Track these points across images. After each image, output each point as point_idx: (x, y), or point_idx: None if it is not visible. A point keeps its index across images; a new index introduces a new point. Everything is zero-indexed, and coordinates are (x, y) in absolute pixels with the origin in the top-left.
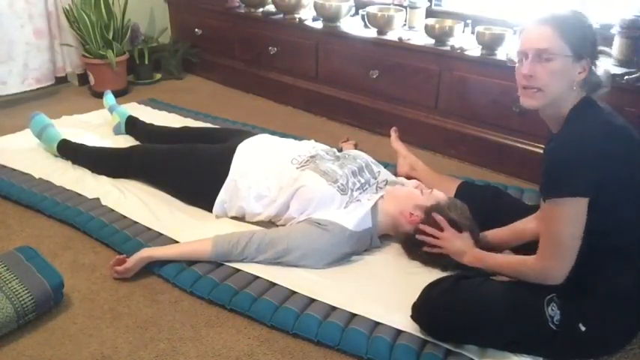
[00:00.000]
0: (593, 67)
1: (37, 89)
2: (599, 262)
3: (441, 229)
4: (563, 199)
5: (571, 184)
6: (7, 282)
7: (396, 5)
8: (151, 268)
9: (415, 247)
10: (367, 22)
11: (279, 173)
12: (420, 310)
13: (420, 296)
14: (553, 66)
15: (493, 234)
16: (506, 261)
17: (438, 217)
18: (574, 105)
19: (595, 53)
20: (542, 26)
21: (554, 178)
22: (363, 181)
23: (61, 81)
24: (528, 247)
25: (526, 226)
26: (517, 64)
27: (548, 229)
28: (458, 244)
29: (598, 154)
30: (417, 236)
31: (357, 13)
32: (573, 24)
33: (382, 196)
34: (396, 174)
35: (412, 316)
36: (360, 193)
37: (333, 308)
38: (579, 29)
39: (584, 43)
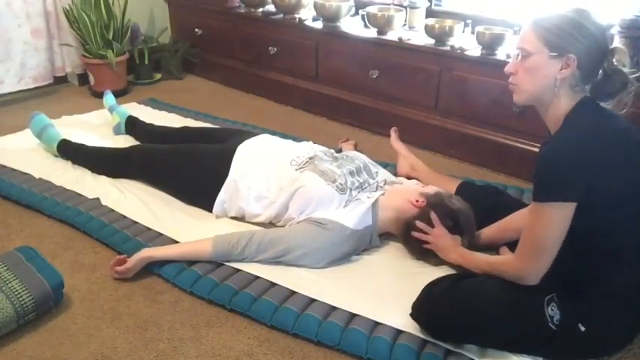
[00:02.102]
0: (595, 67)
1: (37, 89)
2: (599, 262)
3: (433, 226)
4: (552, 204)
5: (560, 189)
6: (7, 282)
7: (396, 5)
8: (151, 268)
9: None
10: (367, 22)
11: (279, 174)
12: (420, 309)
13: (420, 295)
14: (526, 63)
15: (487, 231)
16: (486, 260)
17: (432, 215)
18: (572, 107)
19: (593, 50)
20: (527, 27)
21: (545, 182)
22: (361, 180)
23: (61, 81)
24: None
25: (519, 221)
26: None
27: (531, 231)
28: (445, 242)
29: (591, 157)
30: (412, 233)
31: (357, 13)
32: (554, 21)
33: (383, 194)
34: (396, 174)
35: (412, 315)
36: (359, 192)
37: (333, 308)
38: (561, 25)
39: (567, 38)
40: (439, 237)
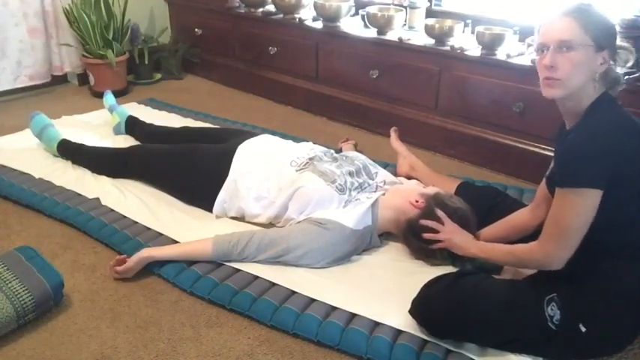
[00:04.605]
0: (612, 61)
1: (36, 89)
2: (602, 260)
3: (442, 224)
4: (579, 190)
5: (589, 175)
6: (7, 282)
7: (396, 5)
8: (151, 268)
9: (415, 235)
10: (367, 22)
11: (279, 175)
12: (419, 307)
13: (419, 292)
14: (575, 56)
15: (486, 231)
16: (508, 250)
17: (439, 212)
18: (593, 100)
19: (615, 46)
20: (565, 18)
21: (572, 167)
22: (360, 181)
23: (61, 81)
24: (525, 241)
25: (520, 220)
26: (537, 57)
27: (556, 216)
28: (460, 237)
29: (616, 147)
30: (424, 235)
31: (357, 13)
32: (595, 14)
33: (383, 194)
34: (395, 174)
35: (410, 311)
36: (359, 193)
37: (333, 308)
38: (601, 19)
39: (606, 33)
40: (452, 233)
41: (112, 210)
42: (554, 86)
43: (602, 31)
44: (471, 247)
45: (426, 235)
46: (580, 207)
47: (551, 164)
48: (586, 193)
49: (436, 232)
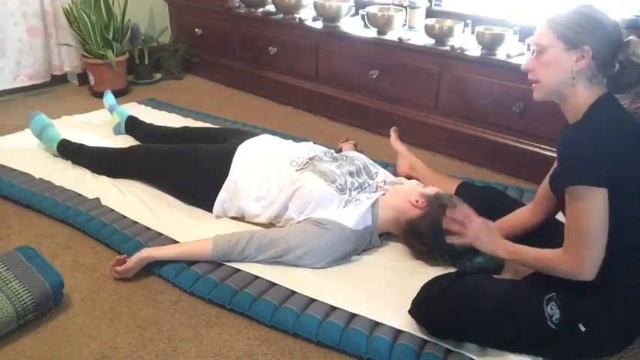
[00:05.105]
0: (617, 58)
1: (36, 89)
2: (606, 259)
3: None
4: (582, 188)
5: (589, 173)
6: (7, 282)
7: (396, 5)
8: (151, 268)
9: (415, 235)
10: (367, 22)
11: (279, 175)
12: (419, 307)
13: (419, 292)
14: (544, 58)
15: None
16: (537, 255)
17: (466, 209)
18: (594, 100)
19: (604, 41)
20: (539, 24)
21: (572, 165)
22: (361, 181)
23: (60, 81)
24: (524, 240)
25: (519, 219)
26: None
27: (574, 223)
28: (487, 236)
29: (616, 147)
30: (446, 227)
31: (357, 13)
32: (565, 15)
33: (383, 194)
34: (395, 174)
35: (410, 312)
36: (359, 193)
37: (333, 308)
38: (572, 18)
39: (579, 30)
40: (480, 231)
41: (112, 210)
42: (535, 89)
43: (572, 28)
44: (499, 248)
45: (453, 228)
46: (590, 207)
47: (555, 164)
48: (590, 192)
49: (445, 228)
